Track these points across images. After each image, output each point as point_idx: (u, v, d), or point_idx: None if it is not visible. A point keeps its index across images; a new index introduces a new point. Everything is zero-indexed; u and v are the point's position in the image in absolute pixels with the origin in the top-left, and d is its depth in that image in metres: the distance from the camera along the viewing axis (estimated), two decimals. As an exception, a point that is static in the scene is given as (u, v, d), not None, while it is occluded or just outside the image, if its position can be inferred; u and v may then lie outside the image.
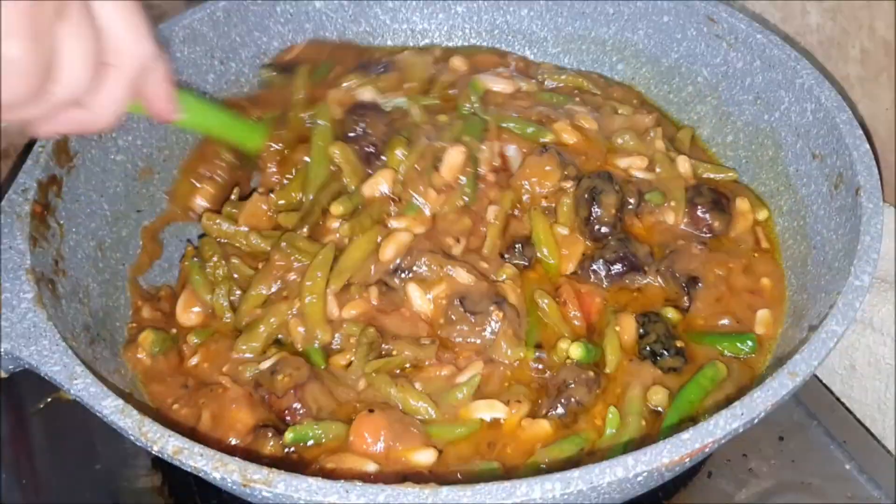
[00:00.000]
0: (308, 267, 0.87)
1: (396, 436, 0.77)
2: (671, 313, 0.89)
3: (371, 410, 0.78)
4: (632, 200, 0.95)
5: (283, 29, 1.10)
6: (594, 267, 0.91)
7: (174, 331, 0.91)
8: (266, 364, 0.82)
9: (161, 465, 0.92)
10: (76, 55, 0.59)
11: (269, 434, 0.78)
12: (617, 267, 0.91)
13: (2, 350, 0.71)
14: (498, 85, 1.04)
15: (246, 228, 0.94)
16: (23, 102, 0.58)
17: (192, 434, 0.78)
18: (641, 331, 0.87)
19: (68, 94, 0.60)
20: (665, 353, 0.85)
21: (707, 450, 0.64)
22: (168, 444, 0.63)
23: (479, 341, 0.85)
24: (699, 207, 0.95)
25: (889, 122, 1.04)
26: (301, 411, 0.79)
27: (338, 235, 0.90)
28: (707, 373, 0.82)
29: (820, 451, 0.93)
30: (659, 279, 0.92)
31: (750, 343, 0.85)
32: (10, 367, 0.73)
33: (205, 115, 0.87)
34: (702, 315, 0.89)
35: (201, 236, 0.98)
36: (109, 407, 0.66)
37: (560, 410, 0.81)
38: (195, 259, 0.94)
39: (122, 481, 0.92)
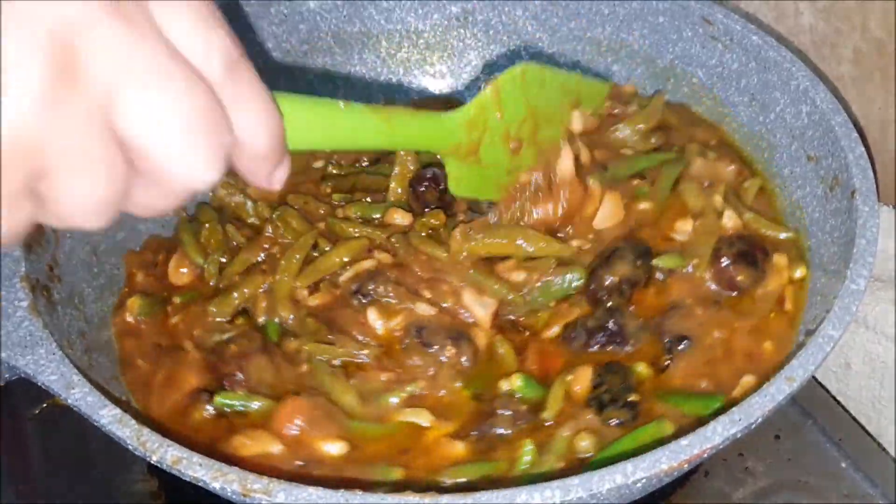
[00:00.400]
0: (288, 248, 0.90)
1: (313, 422, 0.77)
2: (641, 367, 0.83)
3: (297, 393, 0.79)
4: (660, 276, 0.88)
5: (277, 30, 1.10)
6: (573, 335, 0.85)
7: (166, 294, 0.92)
8: (226, 335, 0.85)
9: (157, 470, 0.92)
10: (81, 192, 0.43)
11: (205, 399, 0.80)
12: (598, 337, 0.85)
13: (-2, 359, 0.72)
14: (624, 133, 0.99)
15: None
16: None
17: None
18: (598, 380, 0.81)
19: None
20: (613, 403, 0.79)
21: (705, 455, 0.64)
22: (167, 454, 0.63)
23: (431, 372, 0.84)
24: (723, 258, 0.87)
25: (882, 122, 1.05)
26: (240, 380, 0.81)
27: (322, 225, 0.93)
28: (649, 429, 0.76)
29: (816, 449, 0.93)
30: (645, 339, 0.85)
31: (717, 405, 0.78)
32: (7, 375, 0.73)
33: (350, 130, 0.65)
34: (681, 375, 0.83)
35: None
36: (107, 416, 0.66)
37: (476, 433, 0.79)
38: (189, 223, 0.96)
39: (118, 487, 0.92)
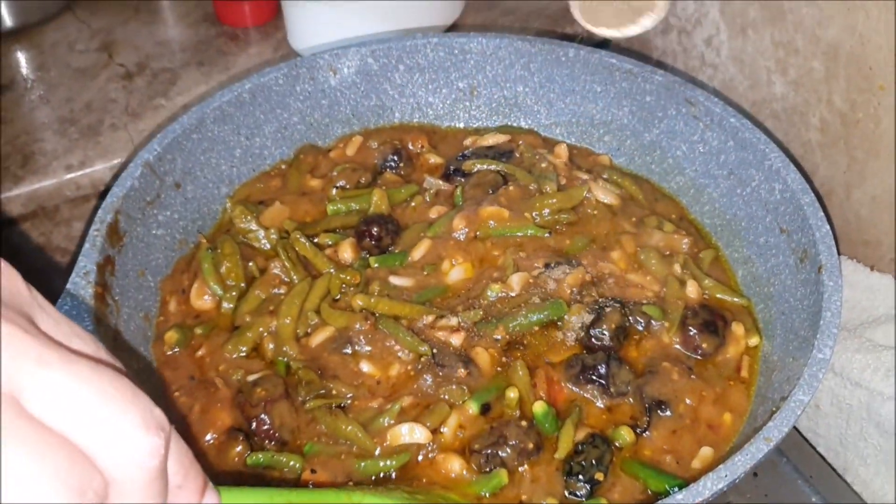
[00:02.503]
0: (288, 293, 1.00)
1: (346, 481, 0.86)
2: (626, 434, 0.90)
3: (314, 471, 0.87)
4: (641, 319, 0.99)
5: (303, 105, 1.19)
6: (573, 363, 0.95)
7: (190, 323, 1.01)
8: (252, 377, 0.93)
9: None
10: None
11: (240, 438, 0.89)
12: (588, 374, 0.93)
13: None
14: (606, 197, 1.10)
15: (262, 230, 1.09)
16: None
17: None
18: (580, 447, 0.88)
19: None
20: (580, 476, 0.86)
21: (696, 507, 0.75)
22: None
23: (443, 393, 0.92)
24: (690, 328, 0.97)
25: (846, 184, 1.14)
26: (266, 423, 0.89)
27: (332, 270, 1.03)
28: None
29: (789, 485, 1.03)
30: (630, 399, 0.93)
31: (677, 489, 0.82)
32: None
33: None
34: (651, 447, 0.90)
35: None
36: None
37: (483, 460, 0.87)
38: (209, 251, 1.05)
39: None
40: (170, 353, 0.98)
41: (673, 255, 1.06)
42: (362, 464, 0.88)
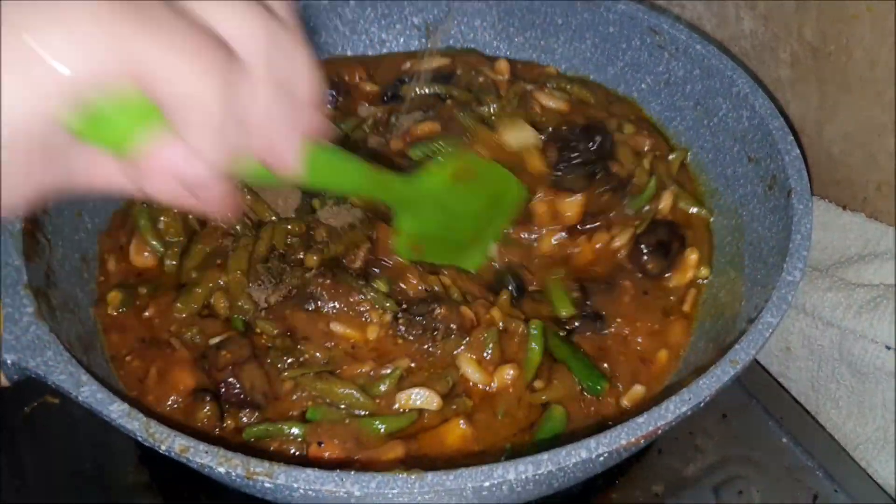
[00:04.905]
0: (236, 245, 0.94)
1: (357, 446, 0.82)
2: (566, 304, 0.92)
3: (320, 443, 0.81)
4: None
5: (250, 40, 1.14)
6: (563, 152, 0.98)
7: (132, 282, 0.96)
8: (215, 340, 0.88)
9: (147, 461, 0.97)
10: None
11: (207, 398, 0.84)
12: (590, 168, 0.97)
13: (9, 361, 0.75)
14: (553, 103, 1.08)
15: None
16: None
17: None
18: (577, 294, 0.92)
19: None
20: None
21: (659, 431, 0.71)
22: (175, 443, 0.68)
23: (430, 345, 0.88)
24: (642, 245, 0.96)
25: (817, 121, 1.11)
26: (235, 386, 0.84)
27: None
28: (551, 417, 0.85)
29: (759, 427, 1.01)
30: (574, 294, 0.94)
31: (599, 388, 0.86)
32: (15, 376, 0.77)
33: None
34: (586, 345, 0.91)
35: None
36: (117, 411, 0.71)
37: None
38: (143, 206, 0.98)
39: (111, 479, 0.96)
40: (115, 314, 0.92)
41: (640, 154, 1.04)
42: (376, 422, 0.83)
